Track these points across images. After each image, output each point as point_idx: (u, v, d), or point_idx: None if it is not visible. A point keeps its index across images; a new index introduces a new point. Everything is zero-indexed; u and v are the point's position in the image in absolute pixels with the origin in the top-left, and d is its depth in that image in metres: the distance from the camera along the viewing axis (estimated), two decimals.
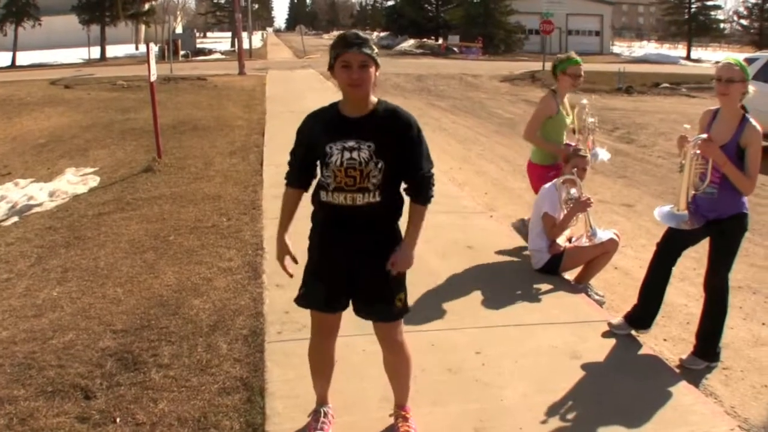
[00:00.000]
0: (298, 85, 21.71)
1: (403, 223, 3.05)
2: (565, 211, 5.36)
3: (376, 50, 2.84)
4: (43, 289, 5.16)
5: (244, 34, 38.49)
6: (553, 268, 5.42)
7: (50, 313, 4.68)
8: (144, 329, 4.39)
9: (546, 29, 31.41)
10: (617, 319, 4.57)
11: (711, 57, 50.56)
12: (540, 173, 5.90)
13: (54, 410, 3.47)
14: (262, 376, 3.81)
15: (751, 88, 4.03)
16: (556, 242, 5.45)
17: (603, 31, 59.12)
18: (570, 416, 3.50)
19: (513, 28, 50.68)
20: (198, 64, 34.06)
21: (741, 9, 57.55)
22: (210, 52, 45.45)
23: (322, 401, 3.35)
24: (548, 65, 29.29)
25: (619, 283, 5.80)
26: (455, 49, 47.62)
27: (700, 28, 55.48)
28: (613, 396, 3.70)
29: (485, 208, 7.78)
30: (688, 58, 50.95)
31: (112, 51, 41.56)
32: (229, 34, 58.71)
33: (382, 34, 65.34)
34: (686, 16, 55.16)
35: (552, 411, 3.53)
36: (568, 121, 5.90)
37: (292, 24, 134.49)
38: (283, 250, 3.11)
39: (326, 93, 17.50)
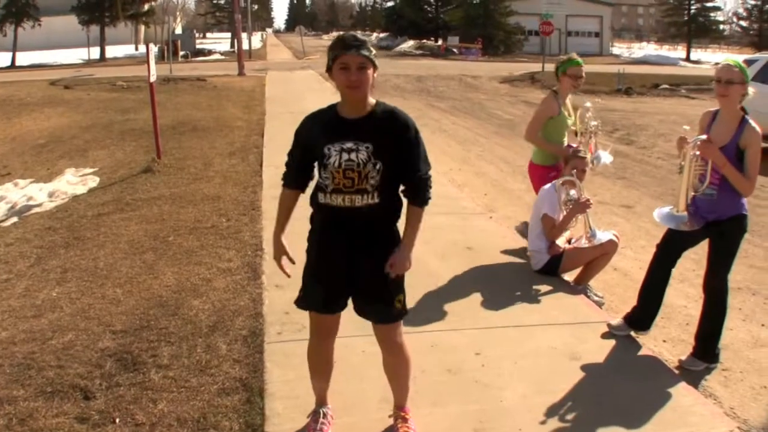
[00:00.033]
0: (298, 86, 21.72)
1: (401, 224, 3.05)
2: (565, 213, 5.36)
3: (374, 52, 2.84)
4: (42, 290, 5.16)
5: (244, 35, 38.51)
6: (552, 269, 5.42)
7: (50, 314, 4.68)
8: (143, 330, 4.39)
9: (545, 30, 31.42)
10: (617, 320, 4.57)
11: (710, 58, 50.55)
12: (541, 174, 5.90)
13: (53, 411, 3.47)
14: (261, 376, 3.81)
15: (751, 89, 4.04)
16: (556, 243, 5.46)
17: (602, 32, 59.12)
18: (569, 417, 3.50)
19: (512, 29, 50.69)
20: (197, 65, 34.08)
21: (740, 10, 57.63)
22: (209, 52, 45.46)
23: (321, 402, 3.35)
24: (548, 66, 29.47)
25: (619, 284, 5.80)
26: (455, 50, 47.64)
27: (699, 30, 55.51)
28: (612, 397, 3.71)
29: (485, 209, 7.78)
30: (687, 59, 50.96)
31: (111, 51, 41.57)
32: (229, 34, 58.74)
33: (382, 35, 65.36)
34: (686, 18, 55.19)
35: (551, 412, 3.53)
36: (570, 122, 5.90)
37: (291, 25, 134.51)
38: (279, 251, 3.11)
39: (325, 94, 17.49)
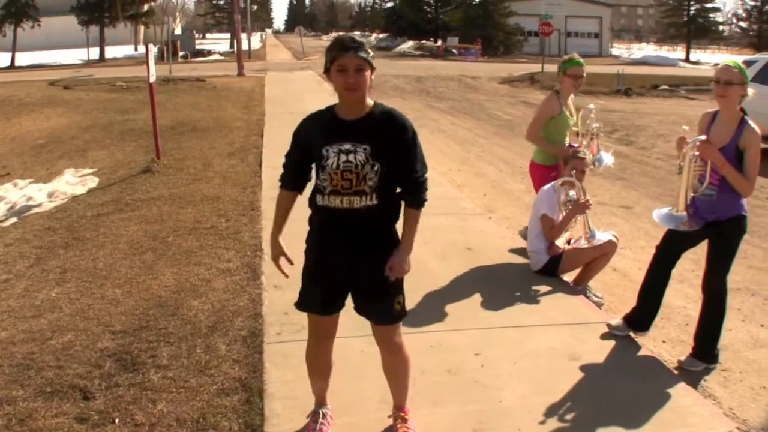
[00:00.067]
0: (297, 86, 21.73)
1: (399, 225, 3.05)
2: (564, 213, 5.36)
3: (371, 53, 2.85)
4: (41, 290, 5.16)
5: (243, 36, 38.50)
6: (551, 269, 5.42)
7: (49, 314, 4.68)
8: (143, 330, 4.39)
9: (545, 31, 31.42)
10: (616, 320, 4.58)
11: (710, 59, 50.55)
12: (542, 173, 5.90)
13: (53, 411, 3.47)
14: (261, 377, 3.81)
15: (750, 90, 4.04)
16: (555, 244, 5.46)
17: (602, 33, 59.17)
18: (568, 417, 3.50)
19: (512, 29, 50.71)
20: (197, 65, 34.08)
21: (740, 11, 57.72)
22: (209, 53, 45.45)
23: (320, 402, 3.35)
24: (547, 67, 29.48)
25: (618, 285, 5.81)
26: (454, 50, 47.65)
27: (699, 31, 55.53)
28: (611, 397, 3.71)
29: (484, 210, 7.79)
30: (687, 60, 50.98)
31: (111, 52, 41.56)
32: (228, 35, 58.75)
33: (381, 35, 65.41)
34: (685, 18, 55.21)
35: (551, 412, 3.53)
36: (572, 122, 5.90)
37: (291, 25, 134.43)
38: (277, 251, 3.11)
39: (325, 94, 17.50)
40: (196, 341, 4.24)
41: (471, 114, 17.76)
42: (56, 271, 5.55)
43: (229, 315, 4.64)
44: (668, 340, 4.79)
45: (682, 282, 5.66)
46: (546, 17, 32.00)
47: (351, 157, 2.85)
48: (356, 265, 3.00)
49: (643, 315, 4.49)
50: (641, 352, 4.29)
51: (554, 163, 5.82)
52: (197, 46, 47.21)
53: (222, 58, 41.93)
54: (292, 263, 3.11)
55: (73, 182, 9.11)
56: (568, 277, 5.52)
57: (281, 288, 4.81)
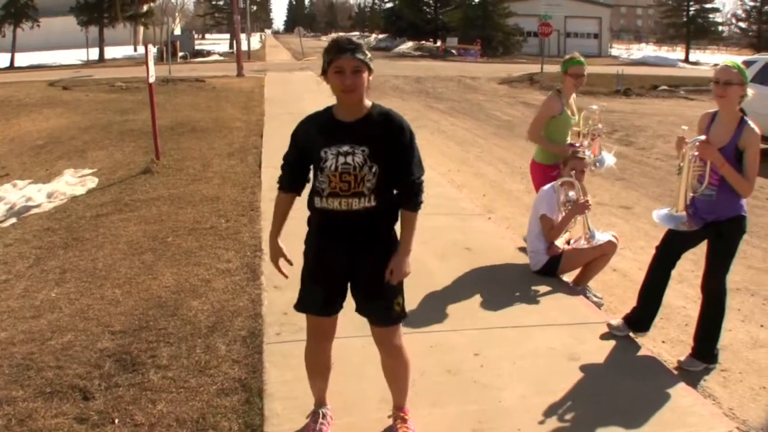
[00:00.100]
0: (297, 86, 21.72)
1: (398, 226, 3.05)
2: (564, 213, 5.36)
3: (369, 55, 2.85)
4: (41, 291, 5.15)
5: (243, 36, 38.49)
6: (551, 269, 5.43)
7: (49, 314, 4.67)
8: (142, 330, 4.39)
9: (544, 32, 31.42)
10: (616, 320, 4.58)
11: (709, 60, 50.57)
12: (543, 172, 5.88)
13: (52, 411, 3.47)
14: (260, 377, 3.81)
15: (750, 91, 4.04)
16: (555, 244, 5.46)
17: (601, 33, 59.20)
18: (568, 417, 3.50)
19: (511, 30, 50.71)
20: (196, 66, 34.06)
21: (739, 12, 57.74)
22: (208, 53, 45.42)
23: (320, 402, 3.35)
24: (546, 68, 29.48)
25: (618, 285, 5.81)
26: (453, 51, 47.64)
27: (698, 31, 55.56)
28: (611, 397, 3.71)
29: (483, 210, 7.79)
30: (686, 60, 50.99)
31: (110, 52, 41.52)
32: (228, 35, 58.73)
33: (381, 36, 65.38)
34: (685, 19, 55.24)
35: (550, 412, 3.53)
36: (573, 121, 5.89)
37: (290, 26, 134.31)
38: (276, 253, 3.12)
39: (324, 95, 17.30)
40: (196, 341, 4.24)
41: (470, 114, 17.76)
42: (56, 272, 5.55)
43: (229, 315, 4.64)
44: (668, 340, 4.80)
45: (682, 282, 5.66)
46: (545, 18, 32.01)
47: (349, 159, 2.85)
48: (357, 263, 3.00)
49: (643, 315, 4.49)
50: (641, 352, 4.29)
51: (555, 163, 5.81)
52: (197, 47, 47.18)
53: (221, 58, 41.91)
54: (291, 264, 3.11)
55: (73, 183, 9.11)
56: (568, 277, 5.52)
57: (281, 288, 4.81)
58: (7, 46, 38.00)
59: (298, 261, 3.11)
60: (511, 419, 3.47)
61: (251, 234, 6.39)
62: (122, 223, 6.84)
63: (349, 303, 3.14)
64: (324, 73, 2.89)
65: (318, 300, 3.06)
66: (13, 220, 7.63)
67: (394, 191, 3.00)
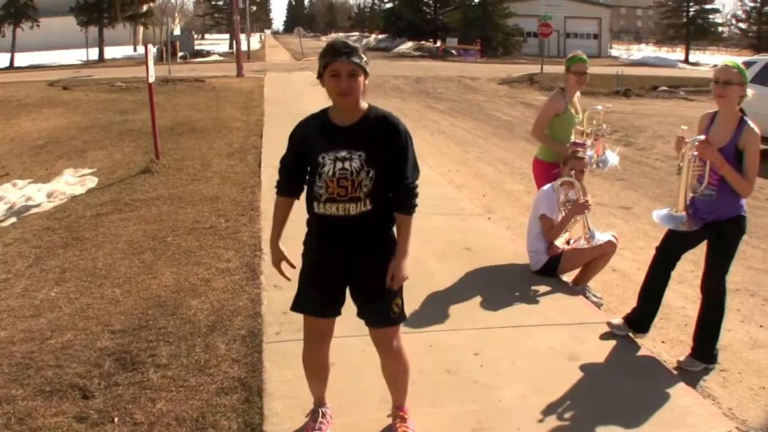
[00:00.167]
0: (296, 87, 21.71)
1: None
2: (563, 213, 5.37)
3: (365, 58, 2.84)
4: (41, 290, 5.15)
5: (243, 36, 38.50)
6: (551, 269, 5.43)
7: (48, 314, 4.67)
8: (142, 329, 4.39)
9: (544, 32, 31.41)
10: (617, 319, 4.58)
11: (709, 60, 50.58)
12: (546, 169, 5.86)
13: (52, 410, 3.47)
14: (260, 376, 3.82)
15: (750, 91, 4.04)
16: (555, 244, 5.46)
17: (601, 34, 59.18)
18: (568, 417, 3.50)
19: (511, 30, 50.69)
20: (196, 66, 34.07)
21: (739, 12, 57.71)
22: (208, 53, 45.42)
23: (319, 402, 3.35)
24: (546, 68, 29.46)
25: (617, 285, 5.81)
26: (453, 51, 47.63)
27: (698, 32, 55.58)
28: (611, 397, 3.71)
29: (483, 210, 7.79)
30: (686, 61, 51.01)
31: (110, 52, 41.51)
32: (228, 36, 58.74)
33: (381, 36, 65.36)
34: (684, 20, 55.26)
35: (550, 412, 3.54)
36: (577, 120, 5.88)
37: (290, 26, 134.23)
38: (278, 256, 3.12)
39: (323, 95, 17.29)
40: (196, 341, 4.24)
41: (470, 115, 17.77)
42: (55, 271, 5.55)
43: (229, 314, 4.64)
44: (667, 340, 4.80)
45: (682, 282, 5.66)
46: (545, 18, 32.00)
47: (347, 164, 2.85)
48: (356, 266, 3.00)
49: (642, 315, 4.50)
50: (640, 352, 4.29)
51: (558, 161, 5.79)
52: (196, 47, 47.17)
53: (221, 58, 41.91)
54: (294, 266, 3.11)
55: (72, 182, 9.11)
56: (568, 277, 5.52)
57: (280, 288, 4.81)
58: (7, 46, 38.00)
59: (299, 263, 3.11)
60: (511, 419, 3.47)
61: (251, 233, 6.39)
62: (122, 223, 6.84)
63: (349, 304, 3.14)
64: (320, 76, 2.88)
65: (315, 301, 3.06)
66: (13, 219, 7.63)
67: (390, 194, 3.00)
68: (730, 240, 4.18)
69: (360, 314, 3.12)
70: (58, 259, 5.84)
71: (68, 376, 3.79)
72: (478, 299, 5.00)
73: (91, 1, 40.19)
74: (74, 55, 40.73)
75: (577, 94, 5.93)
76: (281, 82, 23.96)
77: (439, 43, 52.38)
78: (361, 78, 2.83)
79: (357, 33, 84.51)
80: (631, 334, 4.48)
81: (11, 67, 35.76)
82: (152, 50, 9.80)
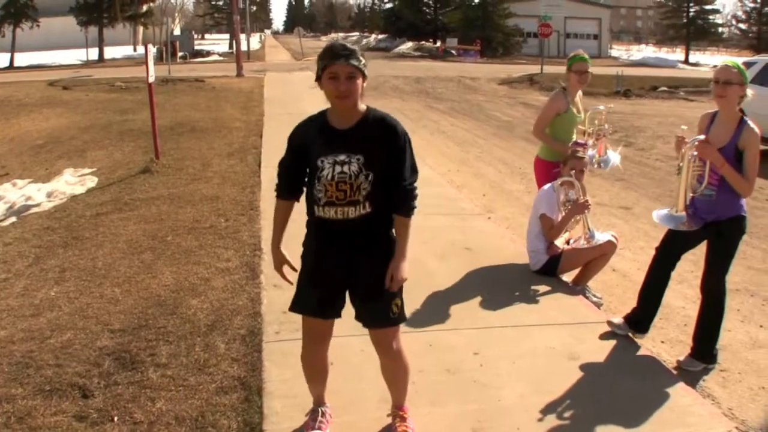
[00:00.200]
0: (296, 87, 21.70)
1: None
2: (563, 213, 5.37)
3: (363, 61, 2.84)
4: (41, 289, 5.15)
5: (242, 36, 38.49)
6: (551, 269, 5.43)
7: (48, 313, 4.67)
8: (142, 329, 4.39)
9: (544, 32, 31.42)
10: (617, 318, 4.58)
11: (709, 61, 50.57)
12: (547, 168, 5.84)
13: (52, 409, 3.47)
14: (260, 375, 3.82)
15: (750, 91, 4.04)
16: (554, 244, 5.46)
17: (601, 34, 59.19)
18: (567, 416, 3.50)
19: (511, 31, 50.67)
20: (196, 66, 34.06)
21: (739, 13, 57.68)
22: (208, 53, 45.41)
23: (319, 402, 3.35)
24: (546, 68, 29.46)
25: (617, 285, 5.81)
26: (453, 51, 47.62)
27: (698, 32, 55.57)
28: (610, 397, 3.71)
29: (483, 210, 7.79)
30: (686, 61, 50.99)
31: (110, 52, 41.51)
32: (227, 36, 58.73)
33: (380, 36, 65.35)
34: (684, 20, 55.25)
35: (549, 411, 3.54)
36: (579, 119, 5.87)
37: (290, 26, 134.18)
38: (280, 260, 3.11)
39: (323, 95, 17.44)
40: (195, 340, 4.24)
41: (470, 115, 17.77)
42: (55, 270, 5.55)
43: (228, 314, 4.64)
44: (667, 340, 4.80)
45: (681, 282, 5.66)
46: (545, 18, 32.01)
47: (345, 168, 2.85)
48: (356, 266, 3.00)
49: (642, 316, 4.50)
50: (640, 352, 4.29)
51: (559, 160, 5.79)
52: (196, 47, 47.15)
53: (221, 58, 41.90)
54: (296, 270, 3.11)
55: (72, 182, 9.11)
56: (567, 277, 5.52)
57: (280, 287, 4.80)
58: (7, 46, 37.99)
59: (299, 263, 3.11)
60: (511, 418, 3.47)
61: (251, 233, 6.39)
62: (122, 222, 6.84)
63: (349, 304, 3.13)
64: (318, 78, 2.88)
65: (314, 301, 3.05)
66: (13, 219, 7.63)
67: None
68: (730, 240, 4.18)
69: (359, 316, 3.11)
70: (58, 259, 5.84)
71: (68, 375, 3.79)
72: (478, 299, 5.00)
73: (91, 1, 40.18)
74: (74, 55, 40.73)
75: (579, 93, 5.92)
76: (281, 82, 23.96)
77: (439, 44, 52.34)
78: (360, 80, 2.83)
79: (357, 33, 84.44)
80: (630, 334, 4.48)
81: (11, 67, 35.76)
82: (152, 50, 9.81)
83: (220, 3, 60.48)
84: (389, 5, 69.02)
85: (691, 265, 5.50)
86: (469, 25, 49.19)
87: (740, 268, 6.08)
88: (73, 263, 5.69)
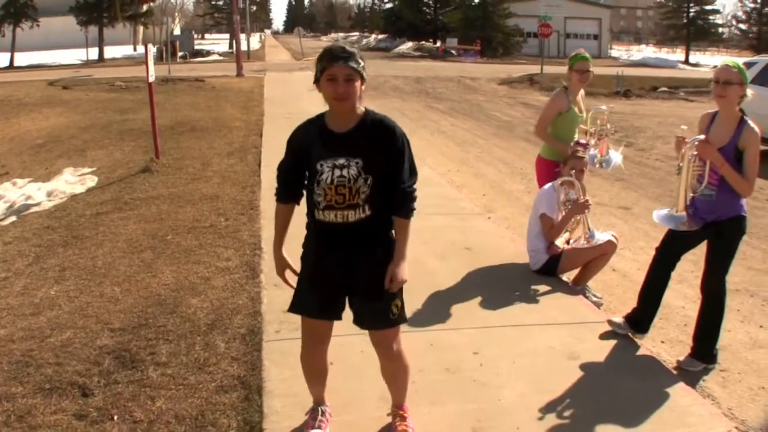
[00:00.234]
0: (296, 87, 21.70)
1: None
2: (563, 213, 5.37)
3: (362, 64, 2.83)
4: (41, 288, 5.15)
5: (242, 36, 38.49)
6: (551, 269, 5.43)
7: (48, 312, 4.68)
8: (142, 328, 4.39)
9: (544, 32, 31.41)
10: (618, 317, 4.58)
11: (709, 61, 50.57)
12: (548, 167, 5.83)
13: (51, 407, 3.47)
14: (259, 374, 3.82)
15: (750, 91, 4.04)
16: (554, 243, 5.46)
17: (601, 34, 59.19)
18: (567, 416, 3.50)
19: (511, 31, 50.67)
20: (196, 66, 34.07)
21: (739, 13, 57.69)
22: (208, 53, 45.42)
23: (319, 401, 3.35)
24: (546, 68, 29.46)
25: (617, 285, 5.81)
26: (453, 51, 47.63)
27: (698, 33, 55.57)
28: (610, 397, 3.71)
29: (483, 210, 7.79)
30: (686, 62, 50.99)
31: (110, 52, 41.51)
32: (227, 35, 58.75)
33: (381, 36, 65.39)
34: (685, 20, 55.24)
35: (549, 411, 3.53)
36: (581, 118, 5.86)
37: (290, 26, 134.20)
38: (282, 265, 3.12)
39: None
40: (195, 339, 4.24)
41: (470, 115, 17.77)
42: (55, 270, 5.55)
43: (228, 313, 4.64)
44: (667, 340, 4.80)
45: (681, 282, 5.66)
46: (545, 18, 32.01)
47: (345, 172, 2.85)
48: (355, 267, 3.00)
49: (642, 316, 4.50)
50: (640, 352, 4.29)
51: (561, 159, 5.78)
52: (196, 47, 47.16)
53: (221, 58, 41.91)
54: (297, 274, 3.11)
55: (72, 181, 9.11)
56: (567, 277, 5.52)
57: (280, 287, 4.75)
58: (7, 46, 38.00)
59: (298, 264, 3.11)
60: (511, 418, 3.47)
61: (251, 232, 6.39)
62: (122, 222, 6.84)
63: (348, 308, 3.13)
64: (317, 81, 2.87)
65: (314, 302, 3.05)
66: (13, 218, 7.64)
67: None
68: (730, 240, 4.18)
69: (358, 320, 3.11)
70: (58, 258, 5.85)
71: (68, 374, 3.79)
72: (478, 299, 5.00)
73: (91, 1, 40.19)
74: (74, 55, 40.74)
75: (581, 92, 5.92)
76: (281, 81, 23.96)
77: (439, 44, 52.37)
78: (358, 83, 2.82)
79: (357, 33, 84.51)
80: (630, 334, 4.48)
81: (11, 66, 35.78)
82: (152, 50, 9.81)
83: (220, 3, 60.50)
84: (389, 5, 69.08)
85: (691, 265, 5.50)
86: (469, 25, 49.20)
87: (740, 269, 6.08)
88: (73, 262, 5.70)
